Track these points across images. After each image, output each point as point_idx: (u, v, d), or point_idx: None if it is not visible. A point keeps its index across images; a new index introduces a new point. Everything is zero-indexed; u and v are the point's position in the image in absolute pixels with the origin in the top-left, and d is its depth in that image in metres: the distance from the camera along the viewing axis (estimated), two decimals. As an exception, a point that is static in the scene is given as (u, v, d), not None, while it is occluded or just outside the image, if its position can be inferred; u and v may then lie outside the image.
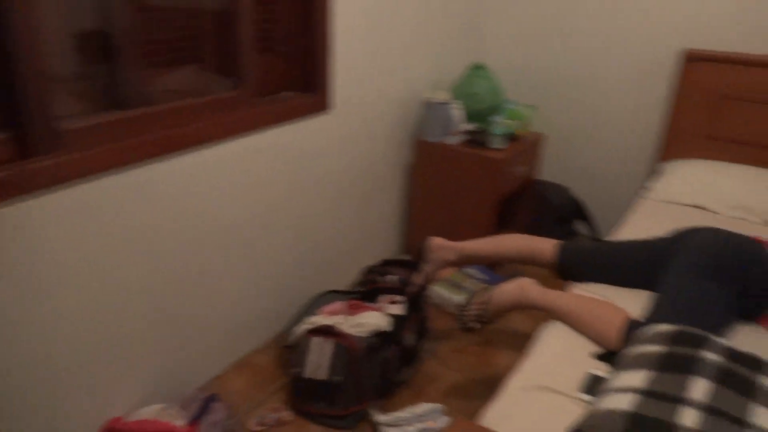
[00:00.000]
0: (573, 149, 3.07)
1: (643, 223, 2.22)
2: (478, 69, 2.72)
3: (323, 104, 2.15)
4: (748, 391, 1.09)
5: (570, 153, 3.09)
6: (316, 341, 1.91)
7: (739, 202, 2.33)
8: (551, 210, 3.04)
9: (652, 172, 2.83)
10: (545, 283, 1.93)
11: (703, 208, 2.39)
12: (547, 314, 1.67)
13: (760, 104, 2.49)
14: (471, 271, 2.68)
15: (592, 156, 3.04)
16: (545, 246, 1.93)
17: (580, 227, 3.15)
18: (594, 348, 1.50)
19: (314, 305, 2.21)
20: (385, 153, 2.61)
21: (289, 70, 2.09)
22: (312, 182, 2.24)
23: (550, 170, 3.15)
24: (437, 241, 2.10)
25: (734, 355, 1.17)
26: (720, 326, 1.47)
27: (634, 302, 1.68)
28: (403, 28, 2.47)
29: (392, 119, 2.58)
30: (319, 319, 2.03)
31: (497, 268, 2.74)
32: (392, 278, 2.35)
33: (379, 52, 2.37)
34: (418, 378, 2.13)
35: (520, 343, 2.33)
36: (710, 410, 1.01)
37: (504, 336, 2.40)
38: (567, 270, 1.87)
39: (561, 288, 1.81)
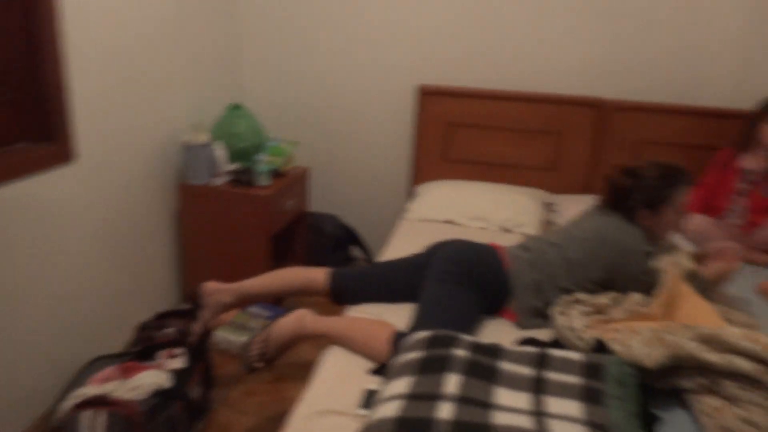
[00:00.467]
0: (338, 179, 3.26)
1: (405, 241, 2.44)
2: (236, 109, 2.75)
3: (65, 154, 1.97)
4: (491, 377, 1.27)
5: (335, 183, 3.27)
6: (86, 415, 1.72)
7: (478, 214, 2.69)
8: (325, 239, 3.18)
9: (410, 195, 3.13)
10: (326, 311, 2.00)
11: (452, 222, 2.71)
12: (326, 340, 1.74)
13: (483, 129, 2.94)
14: (254, 309, 2.66)
15: (356, 184, 3.26)
16: (318, 275, 2.01)
17: (356, 252, 3.34)
18: (370, 365, 1.60)
19: (83, 375, 1.99)
20: (147, 200, 2.48)
21: (22, 118, 1.88)
22: (66, 240, 2.03)
23: (319, 201, 3.30)
24: (210, 285, 2.06)
25: (478, 348, 1.35)
26: (470, 324, 1.69)
27: (404, 315, 1.83)
28: (153, 67, 2.40)
29: (150, 164, 2.47)
30: (89, 390, 1.84)
31: (283, 302, 2.77)
32: (169, 331, 2.23)
33: (128, 94, 2.27)
34: (211, 430, 2.05)
35: (310, 373, 2.38)
36: (462, 400, 1.16)
37: (294, 369, 2.42)
38: (340, 295, 1.97)
39: (339, 313, 1.90)
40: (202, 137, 2.55)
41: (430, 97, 2.94)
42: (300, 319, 1.78)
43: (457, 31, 2.92)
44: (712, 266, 1.89)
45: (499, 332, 1.78)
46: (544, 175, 2.98)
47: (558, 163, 2.96)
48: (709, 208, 2.55)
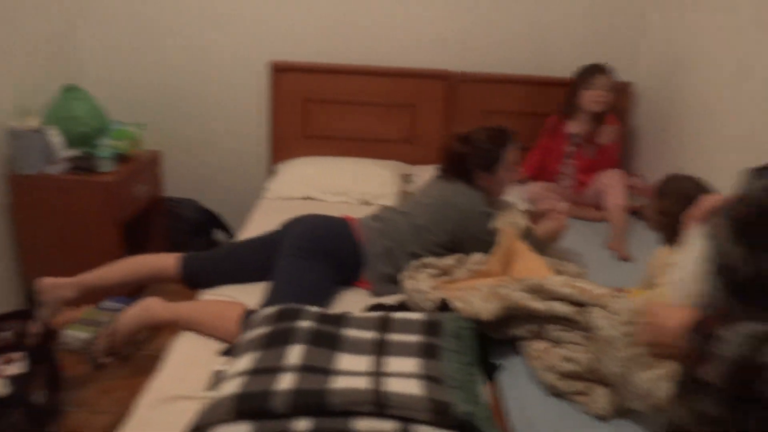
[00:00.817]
0: (194, 162, 3.14)
1: (264, 221, 2.41)
2: (72, 91, 2.54)
3: None
4: (334, 344, 1.30)
5: (192, 166, 3.15)
6: None
7: (338, 189, 2.72)
8: (185, 225, 3.06)
9: (269, 173, 3.09)
10: (184, 298, 1.93)
11: (313, 198, 2.71)
12: (178, 327, 1.69)
13: (340, 104, 2.96)
14: (108, 304, 2.51)
15: (214, 166, 3.16)
16: (167, 262, 1.94)
17: (219, 235, 3.24)
18: (223, 347, 1.58)
19: None
20: (-30, 195, 2.24)
21: None
22: None
23: (176, 186, 3.15)
24: (47, 281, 1.91)
25: (323, 318, 1.38)
26: (322, 296, 1.72)
27: (259, 295, 1.81)
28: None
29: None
30: None
31: (142, 293, 2.63)
32: (4, 334, 2.05)
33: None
34: (62, 435, 1.92)
35: (169, 362, 2.29)
36: (303, 369, 1.18)
37: (153, 361, 2.31)
38: (193, 280, 1.91)
39: (190, 298, 1.85)
40: (32, 122, 2.34)
41: (283, 73, 2.91)
42: (146, 308, 1.71)
43: (310, 6, 2.90)
44: (543, 225, 2.06)
45: (354, 301, 1.83)
46: (402, 147, 3.07)
47: (414, 136, 3.05)
48: (545, 173, 2.76)
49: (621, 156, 3.10)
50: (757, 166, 0.75)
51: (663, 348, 0.83)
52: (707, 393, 0.70)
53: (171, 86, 2.99)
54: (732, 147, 2.24)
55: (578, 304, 1.50)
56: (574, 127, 2.68)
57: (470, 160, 1.98)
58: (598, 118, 2.63)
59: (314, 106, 2.96)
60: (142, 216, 2.89)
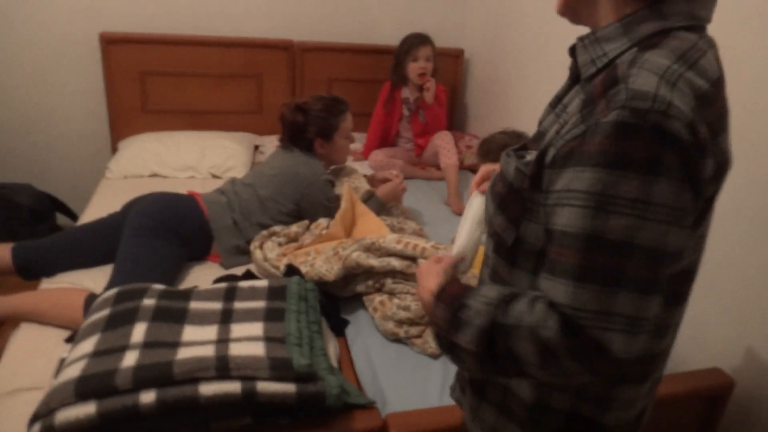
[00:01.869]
0: (27, 144, 2.92)
1: (107, 202, 2.33)
2: None
3: None
4: (180, 318, 1.35)
5: (25, 149, 2.93)
6: None
7: (185, 164, 2.69)
8: (21, 212, 2.85)
9: (112, 152, 2.96)
10: (20, 289, 1.84)
11: (159, 175, 2.66)
12: (18, 319, 1.63)
13: (179, 76, 2.89)
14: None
15: (50, 147, 2.96)
16: (1, 252, 1.84)
17: (62, 221, 3.07)
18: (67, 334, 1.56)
19: None
20: None
21: None
22: None
23: (7, 171, 2.93)
24: None
25: (168, 294, 1.42)
26: (169, 274, 1.74)
27: (105, 278, 1.79)
28: None
29: None
30: None
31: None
32: None
33: None
34: None
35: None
36: (147, 345, 1.22)
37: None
38: (29, 269, 1.84)
39: (34, 288, 1.78)
40: None
41: (116, 45, 2.76)
42: (-22, 303, 1.63)
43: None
44: (383, 188, 2.21)
45: (204, 276, 1.87)
46: (250, 118, 3.07)
47: (261, 106, 3.07)
48: (385, 137, 2.92)
49: (455, 118, 3.36)
50: (515, 147, 0.87)
51: (426, 309, 0.88)
52: (467, 356, 0.75)
53: (-13, 62, 2.74)
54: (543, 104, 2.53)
55: (410, 258, 1.67)
56: (407, 92, 2.86)
57: (309, 129, 2.06)
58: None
59: (154, 79, 2.86)
60: (-33, 206, 2.66)
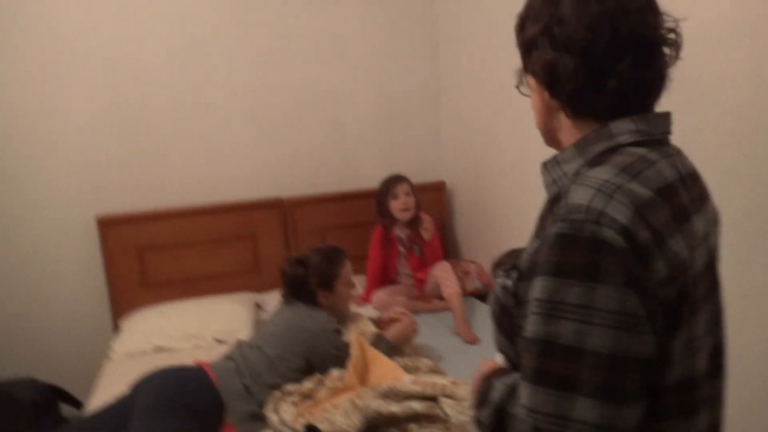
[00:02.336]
0: (26, 337, 2.90)
1: (113, 384, 2.27)
2: None
3: None
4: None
5: (25, 342, 2.90)
6: None
7: (188, 333, 2.66)
8: (24, 410, 2.76)
9: (114, 330, 2.93)
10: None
11: (164, 349, 2.62)
12: None
13: (176, 247, 2.96)
14: None
15: (50, 335, 2.93)
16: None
17: (67, 411, 2.96)
18: None
19: None
20: None
21: None
22: None
23: (7, 367, 2.87)
24: None
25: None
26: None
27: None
28: None
29: None
30: None
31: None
32: None
33: None
34: None
35: None
36: None
37: None
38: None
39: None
40: None
41: (111, 226, 2.86)
42: None
43: (132, 156, 2.93)
44: (392, 329, 2.19)
45: (219, 449, 1.78)
46: (248, 277, 3.11)
47: (258, 264, 3.12)
48: (384, 277, 2.95)
49: (448, 246, 3.42)
50: (506, 267, 0.91)
51: None
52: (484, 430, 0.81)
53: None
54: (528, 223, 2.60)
55: (431, 398, 1.61)
56: (398, 231, 2.93)
57: (310, 281, 2.09)
58: (414, 221, 2.90)
59: (150, 253, 2.93)
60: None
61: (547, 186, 0.84)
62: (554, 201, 0.78)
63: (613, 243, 0.67)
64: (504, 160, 2.80)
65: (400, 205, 2.83)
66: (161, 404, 1.73)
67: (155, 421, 1.69)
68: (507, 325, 0.84)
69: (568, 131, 0.84)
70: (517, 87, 0.91)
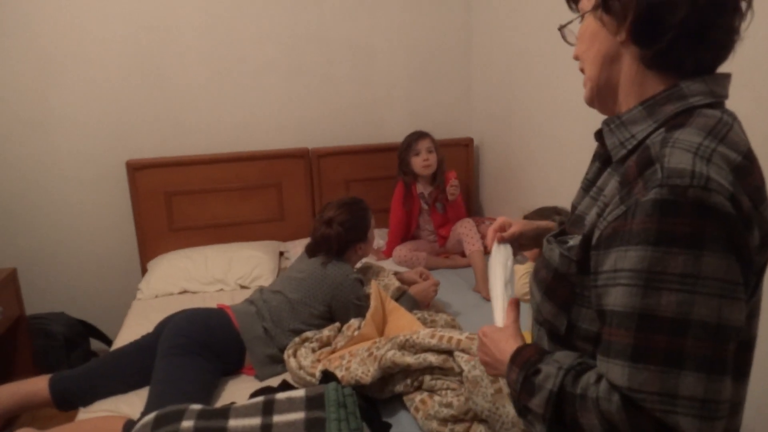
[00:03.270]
0: (59, 273, 3.01)
1: (140, 323, 2.35)
2: None
3: None
4: (220, 438, 1.32)
5: (57, 278, 3.01)
6: None
7: (213, 278, 2.72)
8: (56, 341, 2.89)
9: (141, 272, 3.02)
10: (58, 421, 1.82)
11: (188, 291, 2.69)
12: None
13: (203, 193, 3.00)
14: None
15: (81, 274, 3.04)
16: (37, 386, 1.84)
17: (97, 345, 3.08)
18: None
19: None
20: None
21: None
22: None
23: (40, 301, 2.99)
24: None
25: (206, 414, 1.40)
26: (205, 392, 1.72)
27: (143, 402, 1.77)
28: None
29: None
30: None
31: (16, 424, 2.43)
32: None
33: None
34: None
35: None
36: (189, 471, 1.19)
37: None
38: (66, 400, 1.83)
39: (71, 419, 1.76)
40: None
41: (141, 171, 2.90)
42: (16, 441, 1.61)
43: (163, 105, 2.95)
44: (416, 287, 2.21)
45: (240, 390, 1.84)
46: (273, 226, 3.14)
47: (283, 213, 3.15)
48: (407, 232, 2.95)
49: (472, 204, 3.40)
50: (554, 233, 0.87)
51: (495, 372, 0.92)
52: (536, 420, 0.76)
53: (18, 198, 2.87)
54: (555, 184, 2.57)
55: (446, 352, 1.63)
56: (420, 187, 2.92)
57: (343, 240, 2.09)
58: (436, 177, 2.87)
59: (178, 198, 2.97)
60: (4, 340, 2.70)
61: (613, 149, 0.79)
62: (638, 165, 0.71)
63: (723, 210, 0.63)
64: (533, 118, 2.74)
65: (421, 161, 2.81)
66: (185, 343, 1.79)
67: (177, 359, 1.75)
68: (562, 294, 0.80)
69: (631, 88, 0.78)
70: (561, 30, 0.85)
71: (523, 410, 0.79)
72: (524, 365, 0.80)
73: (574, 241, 0.79)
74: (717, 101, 0.74)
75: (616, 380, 0.67)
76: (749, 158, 0.71)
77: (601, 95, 0.83)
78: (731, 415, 0.76)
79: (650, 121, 0.75)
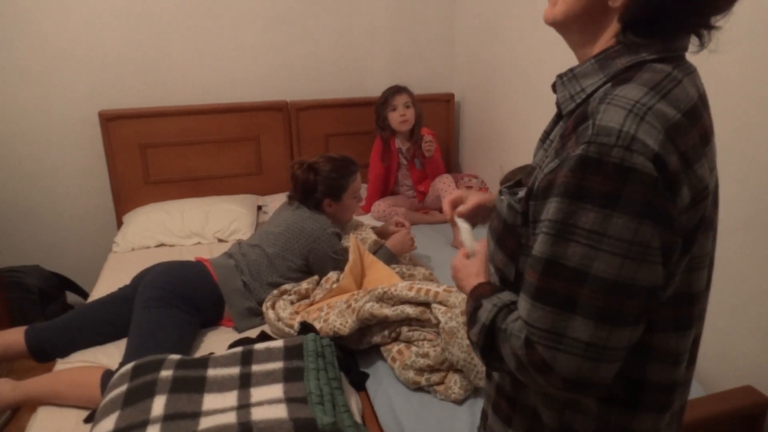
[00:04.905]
0: (32, 225, 2.95)
1: (116, 276, 2.33)
2: None
3: None
4: (199, 387, 1.34)
5: (30, 230, 2.96)
6: None
7: (191, 231, 2.70)
8: (31, 294, 2.86)
9: (117, 226, 2.98)
10: (36, 372, 1.82)
11: (165, 245, 2.67)
12: (35, 404, 1.61)
13: (179, 146, 2.94)
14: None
15: (55, 226, 2.99)
16: (13, 337, 1.83)
17: (73, 299, 3.07)
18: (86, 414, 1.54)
19: None
20: None
21: None
22: None
23: (14, 254, 2.95)
24: None
25: (184, 364, 1.41)
26: (183, 343, 1.73)
27: (120, 353, 1.77)
28: None
29: None
30: None
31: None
32: None
33: None
34: None
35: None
36: (169, 418, 1.21)
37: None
38: (43, 351, 1.83)
39: (49, 370, 1.76)
40: None
41: (114, 122, 2.83)
42: (-6, 391, 1.61)
43: (140, 51, 2.86)
44: (391, 238, 2.22)
45: (218, 341, 1.85)
46: (250, 179, 3.11)
47: (261, 167, 3.11)
48: (385, 187, 2.95)
49: (451, 160, 3.40)
50: (509, 185, 0.88)
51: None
52: (476, 348, 0.83)
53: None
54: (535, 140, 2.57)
55: (423, 304, 1.66)
56: (399, 143, 2.90)
57: (318, 188, 2.09)
58: (414, 133, 2.85)
59: (153, 151, 2.92)
60: (-23, 293, 2.67)
61: (563, 102, 0.79)
62: (575, 119, 0.72)
63: (643, 170, 0.65)
64: (516, 76, 2.72)
65: (398, 116, 2.78)
66: (163, 296, 1.79)
67: (155, 311, 1.75)
68: (510, 244, 0.82)
69: (599, 37, 0.77)
70: None
71: (469, 339, 0.85)
72: (475, 299, 0.84)
73: (523, 192, 0.80)
74: (672, 55, 0.74)
75: (521, 312, 0.73)
76: (690, 115, 0.70)
77: (569, 29, 0.81)
78: (672, 365, 0.78)
79: (601, 74, 0.75)
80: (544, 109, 2.46)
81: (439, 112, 3.27)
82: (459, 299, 1.58)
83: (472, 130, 3.30)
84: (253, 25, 2.99)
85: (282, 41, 3.05)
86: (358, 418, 1.45)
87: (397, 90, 2.81)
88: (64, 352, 1.82)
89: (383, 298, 1.67)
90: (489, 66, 2.98)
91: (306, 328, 1.71)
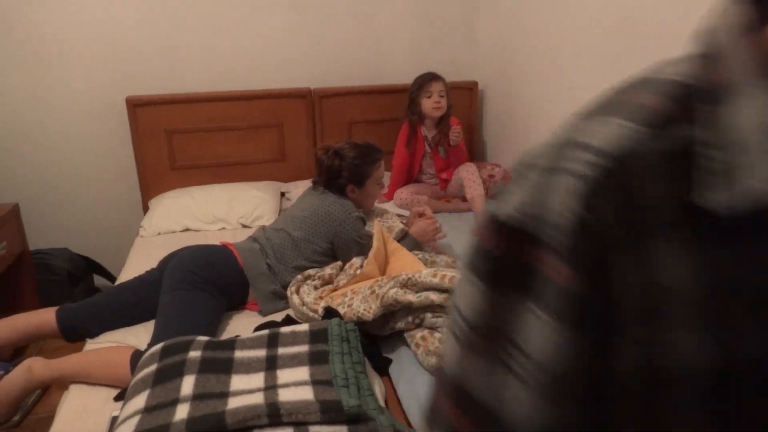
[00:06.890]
0: (61, 209, 3.01)
1: (143, 260, 2.37)
2: None
3: None
4: (226, 368, 1.36)
5: (59, 214, 3.02)
6: None
7: (215, 216, 2.74)
8: (59, 276, 2.92)
9: (143, 210, 3.02)
10: (65, 351, 1.87)
11: (190, 230, 2.71)
12: (66, 382, 1.65)
13: (204, 132, 2.97)
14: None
15: (83, 210, 3.04)
16: (45, 317, 1.88)
17: (100, 281, 3.13)
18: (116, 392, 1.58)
19: None
20: None
21: None
22: None
23: (43, 237, 3.01)
24: None
25: (213, 345, 1.43)
26: (210, 325, 1.76)
27: (148, 335, 1.81)
28: None
29: None
30: None
31: (25, 354, 2.49)
32: None
33: None
34: None
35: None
36: (197, 397, 1.23)
37: (48, 422, 2.22)
38: (74, 331, 1.87)
39: (79, 350, 1.80)
40: None
41: (141, 108, 2.86)
42: (28, 369, 1.66)
43: (165, 39, 2.89)
44: (415, 226, 2.23)
45: (244, 324, 1.88)
46: (274, 166, 3.13)
47: (284, 154, 3.13)
48: (409, 175, 2.95)
49: (474, 148, 3.38)
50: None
51: None
52: None
53: (21, 132, 2.85)
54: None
55: (448, 291, 1.66)
56: (425, 130, 2.89)
57: (343, 174, 2.10)
58: (442, 121, 2.85)
59: (179, 137, 2.95)
60: (8, 275, 2.74)
61: None
62: None
63: None
64: (541, 63, 2.69)
65: (432, 103, 2.77)
66: (188, 278, 1.82)
67: (182, 293, 1.78)
68: None
69: None
70: None
71: None
72: None
73: None
74: None
75: None
76: None
77: None
78: None
79: None
80: (570, 96, 2.44)
81: (463, 100, 3.25)
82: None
83: (495, 118, 3.27)
84: (276, 12, 3.00)
85: (305, 28, 3.06)
86: (381, 403, 1.47)
87: (433, 77, 2.80)
88: (94, 333, 1.86)
89: (407, 285, 1.67)
90: (513, 53, 2.95)
91: (330, 313, 1.73)
